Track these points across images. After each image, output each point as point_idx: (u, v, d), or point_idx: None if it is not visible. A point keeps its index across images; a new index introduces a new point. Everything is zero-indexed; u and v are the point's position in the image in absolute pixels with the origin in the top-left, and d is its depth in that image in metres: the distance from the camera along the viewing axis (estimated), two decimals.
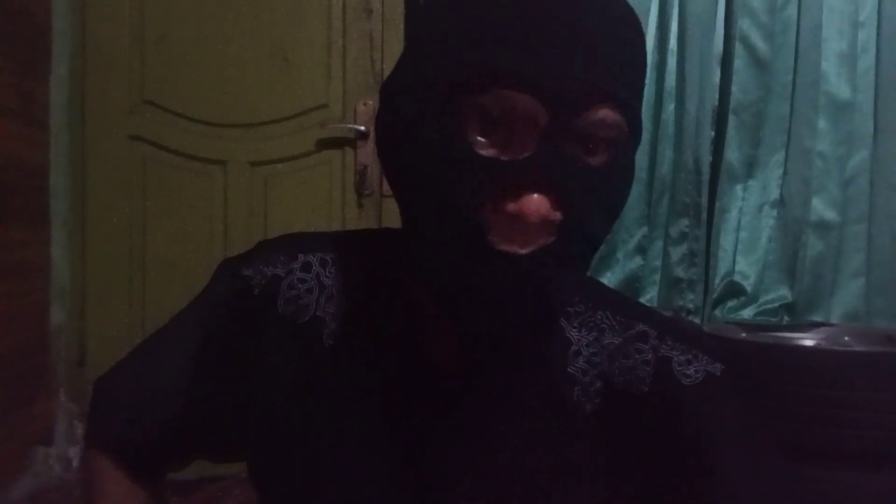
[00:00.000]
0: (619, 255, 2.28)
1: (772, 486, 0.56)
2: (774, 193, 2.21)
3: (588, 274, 0.65)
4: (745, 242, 2.22)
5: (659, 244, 2.25)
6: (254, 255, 0.65)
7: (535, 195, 0.47)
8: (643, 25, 2.27)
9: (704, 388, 0.58)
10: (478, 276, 0.49)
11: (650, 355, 0.60)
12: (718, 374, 0.59)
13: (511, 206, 0.48)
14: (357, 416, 0.60)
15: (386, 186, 2.28)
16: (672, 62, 2.21)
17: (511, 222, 0.48)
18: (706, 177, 2.19)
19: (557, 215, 0.49)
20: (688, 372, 0.58)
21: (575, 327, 0.61)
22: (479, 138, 0.49)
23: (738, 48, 2.17)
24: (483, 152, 0.49)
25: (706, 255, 2.21)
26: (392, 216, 2.19)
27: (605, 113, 0.49)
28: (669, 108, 2.22)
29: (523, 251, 0.49)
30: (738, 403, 0.59)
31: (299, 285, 0.62)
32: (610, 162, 0.51)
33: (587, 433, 0.59)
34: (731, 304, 2.19)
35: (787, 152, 2.19)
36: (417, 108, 0.51)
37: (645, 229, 2.27)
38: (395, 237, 0.62)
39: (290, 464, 0.63)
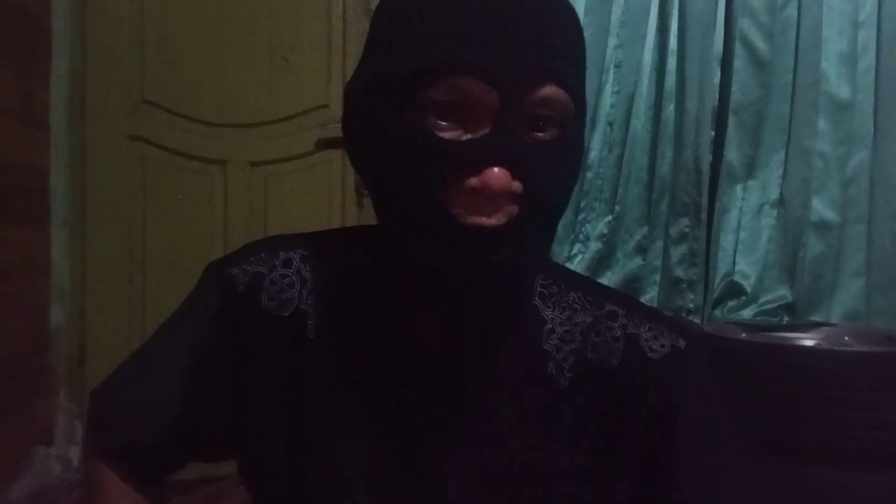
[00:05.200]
0: (619, 255, 2.28)
1: (730, 453, 0.62)
2: (774, 193, 2.21)
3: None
4: (745, 242, 2.21)
5: (659, 244, 2.25)
6: (237, 256, 0.68)
7: (496, 168, 0.51)
8: (643, 25, 2.28)
9: (670, 361, 0.62)
10: (449, 250, 0.53)
11: (619, 332, 0.63)
12: (682, 347, 0.63)
13: (473, 181, 0.51)
14: (344, 404, 0.63)
15: None
16: (672, 62, 2.21)
17: (474, 197, 0.52)
18: (706, 177, 2.18)
19: (518, 185, 0.52)
20: (654, 346, 0.63)
21: (549, 307, 0.64)
22: (438, 122, 0.52)
23: (738, 48, 2.17)
24: (442, 134, 0.52)
25: (706, 255, 2.21)
26: None
27: (551, 90, 0.52)
28: (669, 108, 2.21)
29: (491, 221, 0.52)
30: (701, 374, 0.64)
31: (281, 280, 0.65)
32: (559, 137, 0.55)
33: (563, 405, 0.62)
34: (731, 304, 2.18)
35: (787, 152, 2.19)
36: (379, 102, 0.55)
37: (645, 229, 2.26)
38: (372, 232, 0.65)
39: (280, 455, 0.64)
